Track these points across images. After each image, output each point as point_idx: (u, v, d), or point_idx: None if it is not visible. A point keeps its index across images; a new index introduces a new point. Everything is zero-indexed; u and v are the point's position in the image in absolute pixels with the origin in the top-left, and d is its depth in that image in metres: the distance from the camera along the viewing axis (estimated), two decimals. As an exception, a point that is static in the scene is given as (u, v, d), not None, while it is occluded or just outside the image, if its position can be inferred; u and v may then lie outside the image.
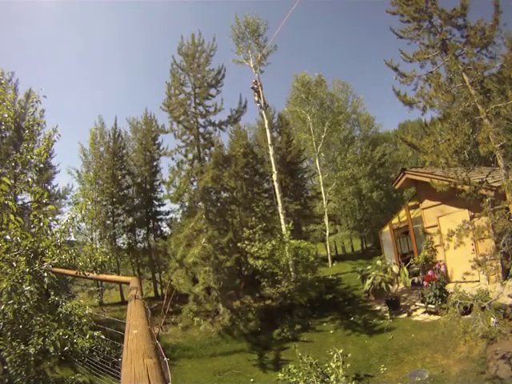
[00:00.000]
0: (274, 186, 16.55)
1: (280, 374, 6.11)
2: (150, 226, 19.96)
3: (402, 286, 11.61)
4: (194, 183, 13.22)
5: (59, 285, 9.43)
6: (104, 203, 18.08)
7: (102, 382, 4.60)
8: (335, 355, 5.89)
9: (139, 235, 20.02)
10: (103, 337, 3.95)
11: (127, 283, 3.29)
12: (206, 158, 13.55)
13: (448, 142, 6.65)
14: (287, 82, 67.48)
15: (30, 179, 3.97)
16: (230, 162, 14.61)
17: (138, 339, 1.26)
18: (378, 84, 69.11)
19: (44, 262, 3.23)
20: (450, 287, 8.96)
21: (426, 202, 11.18)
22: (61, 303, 3.82)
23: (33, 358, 3.43)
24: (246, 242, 12.90)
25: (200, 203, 13.25)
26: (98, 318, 7.06)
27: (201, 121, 13.68)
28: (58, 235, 3.50)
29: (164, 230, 20.59)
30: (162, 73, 73.48)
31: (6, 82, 5.34)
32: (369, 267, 11.83)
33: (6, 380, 3.34)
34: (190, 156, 13.50)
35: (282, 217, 15.47)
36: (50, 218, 3.52)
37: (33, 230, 3.32)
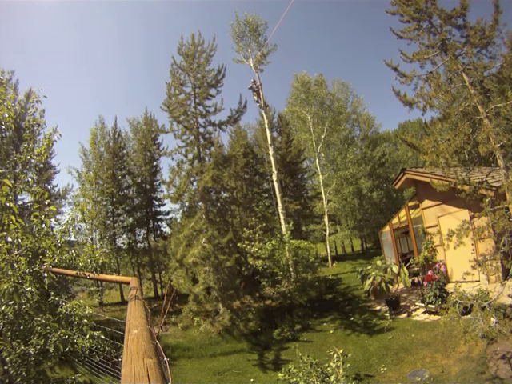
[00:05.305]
0: (273, 185, 16.56)
1: (280, 374, 6.11)
2: (150, 226, 19.98)
3: (401, 285, 11.61)
4: (194, 183, 13.23)
5: (59, 285, 9.46)
6: (104, 203, 18.08)
7: (102, 382, 4.60)
8: (335, 355, 5.89)
9: (139, 235, 20.06)
10: (103, 337, 3.94)
11: (127, 283, 3.28)
12: (206, 158, 13.56)
13: (448, 142, 6.65)
14: (287, 81, 67.57)
15: (30, 179, 3.97)
16: (230, 162, 14.61)
17: (138, 339, 1.26)
18: (378, 84, 69.26)
19: (44, 262, 3.23)
20: (449, 287, 8.97)
21: (426, 202, 11.18)
22: (61, 303, 3.82)
23: (33, 359, 3.43)
24: (246, 242, 12.92)
25: (200, 203, 13.26)
26: (98, 318, 7.06)
27: (201, 121, 13.70)
28: (58, 235, 3.50)
29: (164, 229, 20.65)
30: (162, 73, 73.60)
31: (6, 82, 5.33)
32: (369, 267, 11.82)
33: (7, 380, 3.34)
34: (190, 156, 13.52)
35: (282, 217, 15.48)
36: (53, 219, 3.52)
37: (33, 231, 3.33)
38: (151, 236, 18.98)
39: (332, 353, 6.07)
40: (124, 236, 19.68)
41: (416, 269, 11.95)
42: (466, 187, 6.66)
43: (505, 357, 5.73)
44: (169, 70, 13.55)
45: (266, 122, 16.88)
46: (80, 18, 77.74)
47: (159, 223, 20.50)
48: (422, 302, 9.15)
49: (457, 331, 6.07)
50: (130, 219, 19.65)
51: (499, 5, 6.39)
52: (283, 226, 14.86)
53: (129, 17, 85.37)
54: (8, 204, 2.88)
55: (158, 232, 20.18)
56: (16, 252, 3.10)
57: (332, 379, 5.35)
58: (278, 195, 15.90)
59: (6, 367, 3.37)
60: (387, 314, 9.75)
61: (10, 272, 2.89)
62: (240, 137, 22.84)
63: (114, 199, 18.51)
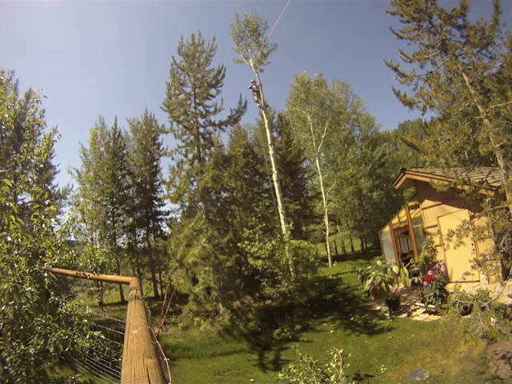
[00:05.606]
0: (273, 185, 16.56)
1: (280, 374, 6.11)
2: (150, 226, 19.97)
3: (401, 285, 11.61)
4: (194, 183, 13.23)
5: (59, 285, 9.46)
6: (104, 203, 18.08)
7: (102, 382, 4.60)
8: (335, 355, 5.88)
9: (139, 235, 20.06)
10: (103, 337, 3.94)
11: (127, 283, 3.29)
12: (206, 158, 13.56)
13: (448, 142, 6.65)
14: (287, 81, 67.61)
15: (30, 179, 3.97)
16: (230, 162, 14.61)
17: (138, 339, 1.26)
18: (378, 84, 69.32)
19: (44, 262, 3.23)
20: (449, 287, 8.97)
21: (426, 202, 11.18)
22: (61, 303, 3.82)
23: (33, 358, 3.43)
24: (246, 242, 12.91)
25: (200, 203, 13.25)
26: (98, 318, 7.07)
27: (201, 121, 13.70)
28: (58, 235, 3.50)
29: (164, 229, 20.65)
30: (162, 73, 73.64)
31: (6, 82, 5.33)
32: (369, 267, 11.82)
33: (7, 380, 3.34)
34: (190, 156, 13.52)
35: (282, 217, 15.48)
36: (53, 219, 3.52)
37: (33, 231, 3.33)
38: (151, 236, 18.98)
39: (332, 353, 6.07)
40: (124, 236, 19.70)
41: (416, 269, 11.95)
42: (466, 187, 6.66)
43: (505, 357, 5.73)
44: (169, 70, 13.57)
45: (266, 122, 16.88)
46: (80, 18, 77.82)
47: (159, 223, 20.52)
48: (422, 301, 9.15)
49: (457, 331, 6.08)
50: (130, 219, 19.65)
51: (499, 5, 6.39)
52: (283, 226, 14.86)
53: (129, 17, 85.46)
54: (8, 204, 2.88)
55: (158, 232, 20.18)
56: (16, 252, 3.10)
57: (332, 379, 5.35)
58: (278, 195, 15.90)
59: (6, 367, 3.37)
60: (387, 314, 9.75)
61: (10, 272, 2.89)
62: (240, 137, 22.84)
63: (114, 199, 18.50)
